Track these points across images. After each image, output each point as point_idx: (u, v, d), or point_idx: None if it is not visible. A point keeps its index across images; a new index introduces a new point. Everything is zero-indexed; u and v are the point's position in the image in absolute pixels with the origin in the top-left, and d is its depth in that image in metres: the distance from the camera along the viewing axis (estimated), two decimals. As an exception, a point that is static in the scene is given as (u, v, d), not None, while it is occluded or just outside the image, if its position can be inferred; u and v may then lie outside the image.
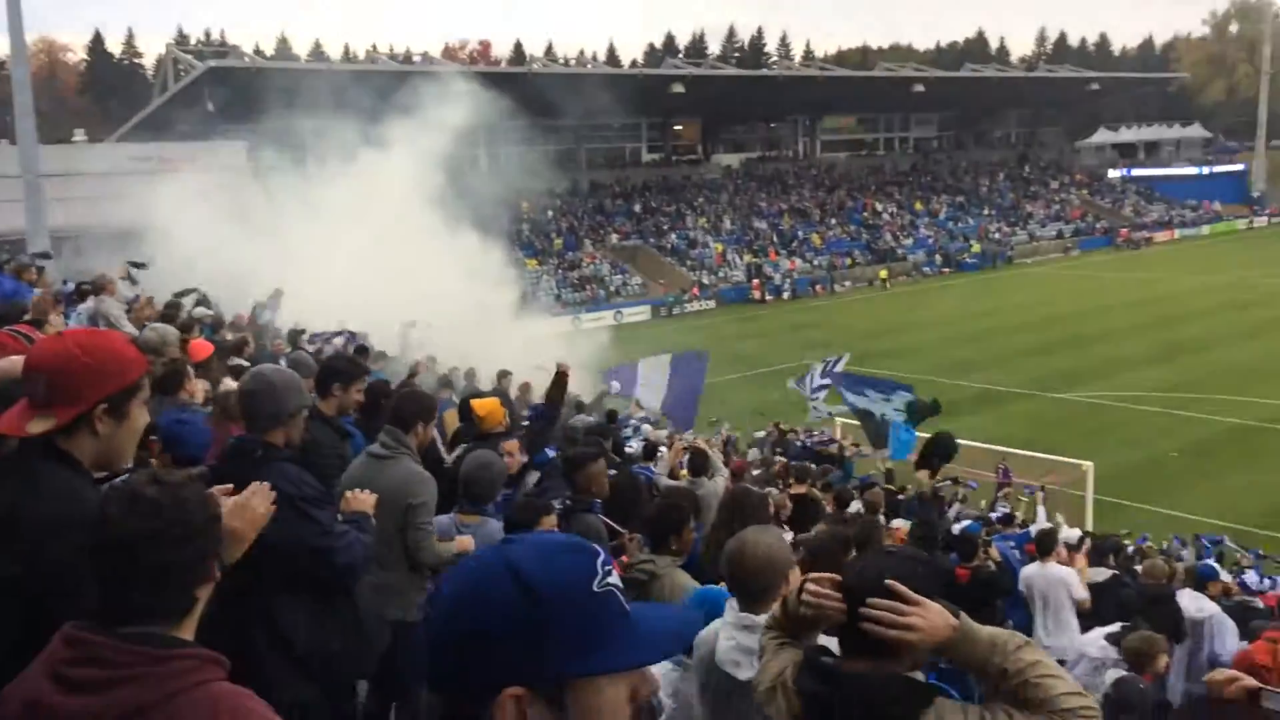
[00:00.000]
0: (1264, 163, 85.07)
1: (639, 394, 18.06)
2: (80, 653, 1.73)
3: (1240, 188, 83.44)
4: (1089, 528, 17.21)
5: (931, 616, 2.27)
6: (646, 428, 16.71)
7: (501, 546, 1.38)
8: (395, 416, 5.02)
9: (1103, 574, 9.13)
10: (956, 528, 10.57)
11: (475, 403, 6.95)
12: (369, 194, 23.19)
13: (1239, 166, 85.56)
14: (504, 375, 14.74)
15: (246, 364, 8.43)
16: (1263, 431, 24.97)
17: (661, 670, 3.62)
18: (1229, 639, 7.70)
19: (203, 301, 15.23)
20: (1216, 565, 10.22)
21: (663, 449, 10.69)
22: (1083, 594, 8.81)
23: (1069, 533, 12.80)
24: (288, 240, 21.24)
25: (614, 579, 1.37)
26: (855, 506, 10.70)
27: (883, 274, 56.23)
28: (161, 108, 42.60)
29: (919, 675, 2.39)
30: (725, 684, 2.98)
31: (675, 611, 1.56)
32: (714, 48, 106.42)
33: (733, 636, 2.99)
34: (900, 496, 12.80)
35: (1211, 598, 8.41)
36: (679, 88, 59.25)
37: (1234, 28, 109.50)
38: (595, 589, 1.34)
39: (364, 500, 4.09)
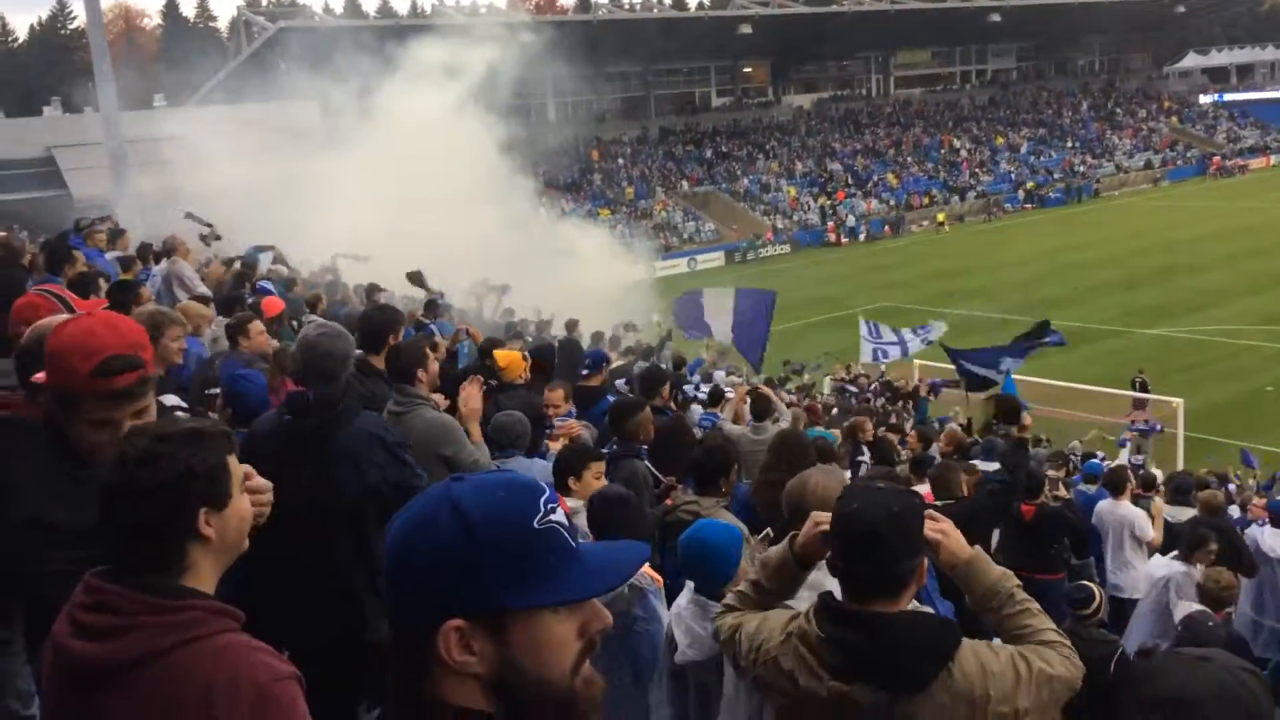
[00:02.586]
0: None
1: (709, 323, 17.78)
2: (94, 599, 1.77)
3: (1342, 108, 79.36)
4: (1179, 466, 16.78)
5: (957, 534, 2.45)
6: (719, 374, 16.63)
7: (448, 482, 1.41)
8: (394, 373, 4.97)
9: (1186, 513, 8.87)
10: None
11: (498, 353, 7.07)
12: (441, 150, 23.26)
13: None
14: (574, 324, 14.77)
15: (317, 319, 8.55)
16: (1365, 363, 23.97)
17: (678, 608, 3.65)
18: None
19: (279, 260, 15.48)
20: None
21: (729, 394, 10.62)
22: (1151, 534, 8.67)
23: (1151, 472, 12.49)
24: (363, 198, 21.46)
25: (557, 517, 1.38)
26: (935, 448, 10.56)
27: (940, 217, 54.77)
28: (237, 69, 43.26)
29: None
30: None
31: (622, 545, 1.55)
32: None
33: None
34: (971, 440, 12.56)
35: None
36: (746, 28, 58.17)
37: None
38: (536, 525, 1.35)
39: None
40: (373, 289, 13.94)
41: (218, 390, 5.25)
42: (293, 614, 3.64)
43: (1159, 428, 18.18)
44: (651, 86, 65.23)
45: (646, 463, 5.71)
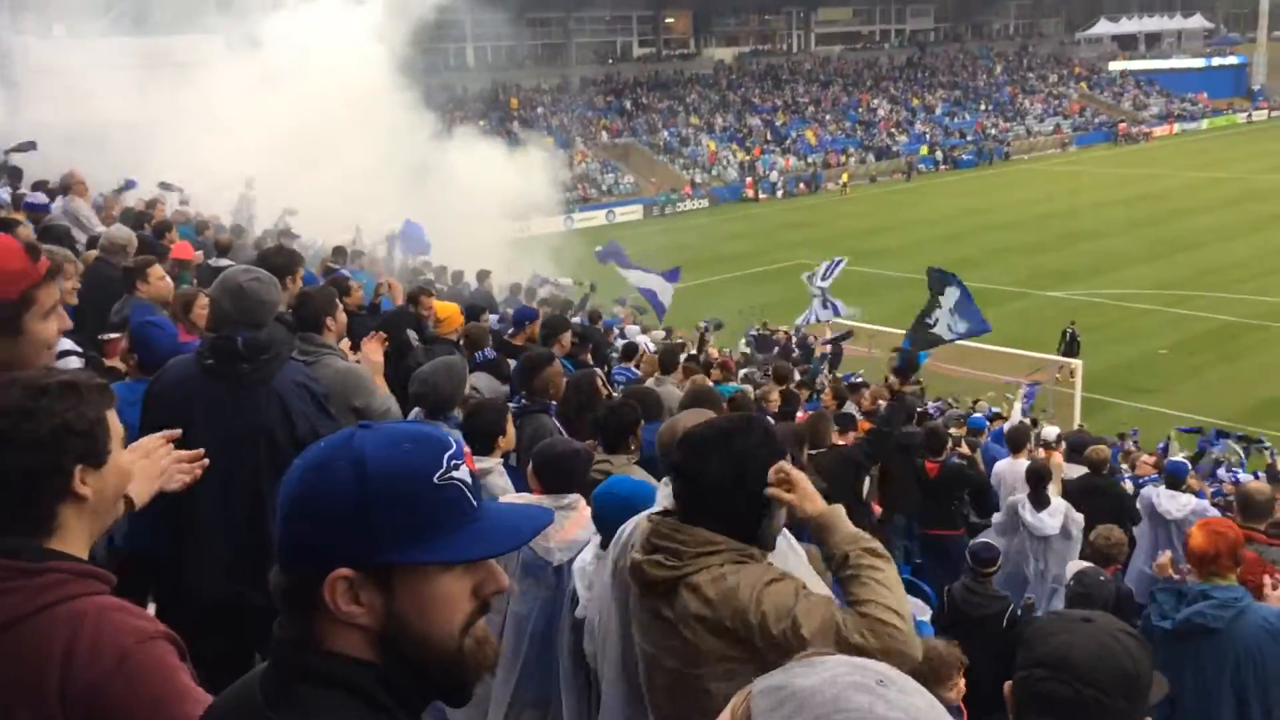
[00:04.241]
0: (1265, 55, 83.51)
1: (629, 274, 17.97)
2: None
3: (1241, 80, 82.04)
4: (1077, 425, 17.37)
5: (803, 492, 2.44)
6: (632, 328, 16.68)
7: (355, 429, 1.38)
8: (301, 321, 4.77)
9: (1078, 470, 9.20)
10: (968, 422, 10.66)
11: (437, 304, 6.91)
12: (345, 88, 22.52)
13: (1238, 59, 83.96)
14: (485, 275, 14.61)
15: (230, 264, 8.32)
16: (1250, 329, 25.01)
17: (581, 562, 3.69)
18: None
19: (185, 201, 14.99)
20: (1185, 461, 10.30)
21: (648, 347, 10.67)
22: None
23: (1048, 430, 12.90)
24: (266, 140, 20.77)
25: (460, 474, 1.36)
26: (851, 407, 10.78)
27: (844, 177, 55.25)
28: None
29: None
30: None
31: (525, 508, 1.57)
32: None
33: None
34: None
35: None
36: (670, -24, 57.69)
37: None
38: (436, 480, 1.33)
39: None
40: (285, 233, 13.62)
41: (117, 335, 5.06)
42: (220, 567, 3.55)
43: (1036, 388, 18.73)
44: (572, 34, 64.35)
45: (554, 419, 5.66)
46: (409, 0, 24.95)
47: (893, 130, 63.29)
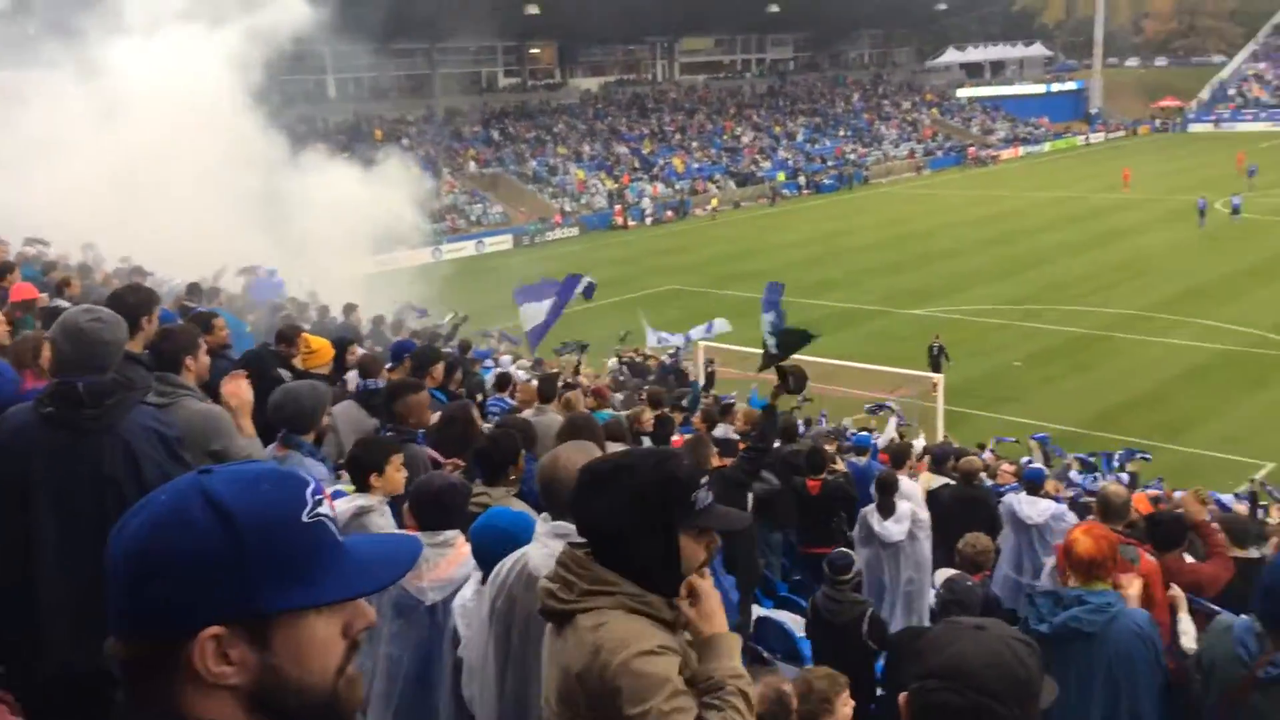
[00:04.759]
0: (1100, 81, 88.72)
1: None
2: None
3: (1079, 105, 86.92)
4: (940, 438, 17.95)
5: (714, 606, 2.33)
6: (506, 359, 16.55)
7: (198, 474, 1.29)
8: (159, 360, 4.56)
9: (938, 481, 9.51)
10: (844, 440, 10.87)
11: (308, 336, 6.73)
12: (195, 120, 21.72)
13: (1077, 85, 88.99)
14: (351, 309, 14.32)
15: (67, 305, 7.91)
16: (1096, 339, 26.38)
17: (462, 600, 3.62)
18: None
19: (40, 241, 14.26)
20: (1042, 468, 10.76)
21: (520, 376, 10.60)
22: (923, 510, 9.21)
23: (915, 444, 13.29)
24: (109, 176, 19.87)
25: (325, 509, 1.30)
26: (723, 429, 10.86)
27: (714, 203, 56.32)
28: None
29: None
30: (524, 595, 3.03)
31: (393, 539, 1.49)
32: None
33: (546, 545, 3.04)
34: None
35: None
36: (534, 8, 57.89)
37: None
38: (305, 519, 1.27)
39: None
40: (137, 271, 13.07)
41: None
42: (62, 631, 3.22)
43: (889, 404, 19.23)
44: (437, 65, 63.91)
45: (427, 448, 5.55)
46: (266, 31, 24.30)
47: (757, 157, 64.74)
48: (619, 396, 14.88)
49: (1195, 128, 79.09)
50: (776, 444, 8.74)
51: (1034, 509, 8.36)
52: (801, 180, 62.24)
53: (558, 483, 3.12)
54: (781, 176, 61.62)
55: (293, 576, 1.24)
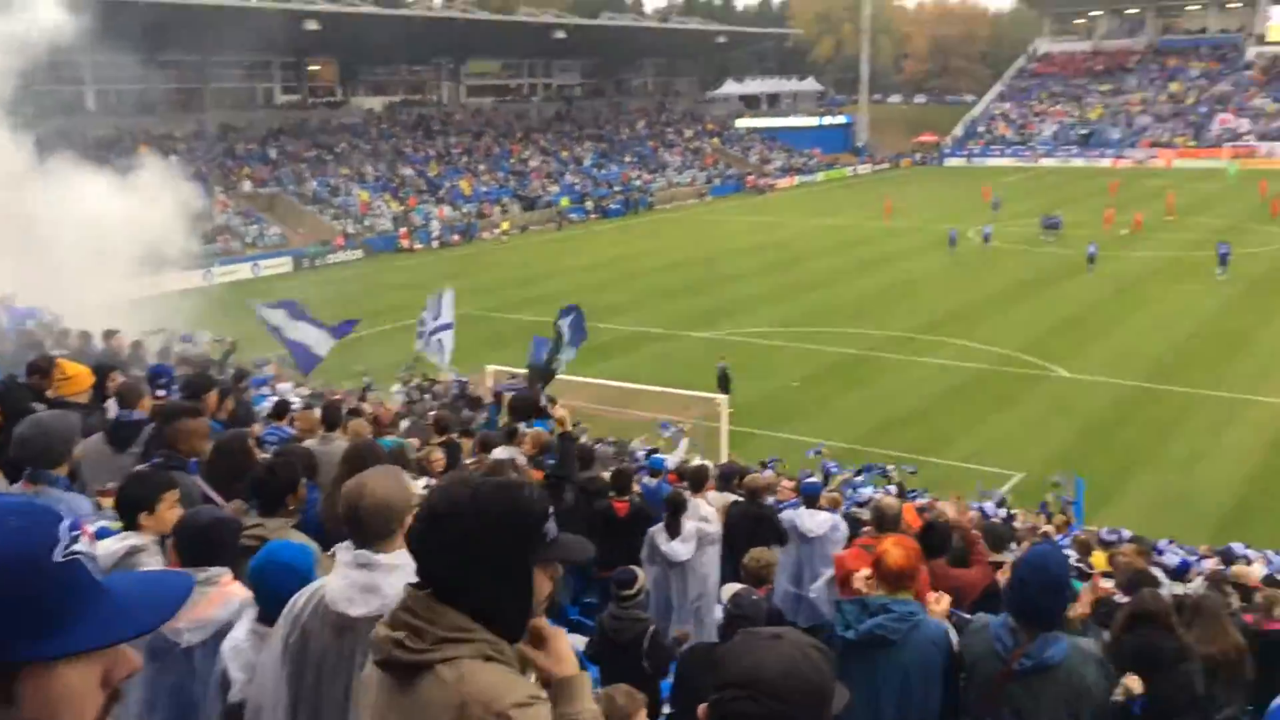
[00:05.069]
0: (866, 116, 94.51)
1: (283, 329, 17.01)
2: None
3: (848, 138, 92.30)
4: (725, 458, 18.46)
5: (563, 648, 2.24)
6: (284, 385, 15.89)
7: None
8: None
9: (728, 498, 9.79)
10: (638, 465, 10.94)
11: (63, 362, 6.26)
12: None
13: (846, 119, 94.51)
14: (111, 334, 13.41)
15: None
16: (867, 359, 27.94)
17: (234, 641, 3.44)
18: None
19: None
20: (819, 481, 11.24)
21: (295, 404, 10.19)
22: (717, 527, 9.43)
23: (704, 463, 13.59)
24: None
25: (81, 546, 1.19)
26: (503, 452, 10.74)
27: (504, 225, 56.51)
28: None
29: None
30: (321, 630, 2.92)
31: (159, 577, 1.39)
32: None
33: (348, 575, 2.97)
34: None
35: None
36: (313, 24, 56.21)
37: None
38: (58, 558, 1.16)
39: None
40: None
41: None
42: None
43: (670, 428, 19.63)
44: (209, 78, 60.94)
45: (198, 479, 5.26)
46: (15, 39, 22.47)
47: (545, 181, 65.08)
48: (405, 423, 14.53)
49: (951, 162, 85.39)
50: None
51: (814, 521, 8.73)
52: (589, 205, 63.03)
53: (364, 510, 3.05)
54: (565, 202, 62.18)
55: (43, 623, 1.13)
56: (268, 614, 3.33)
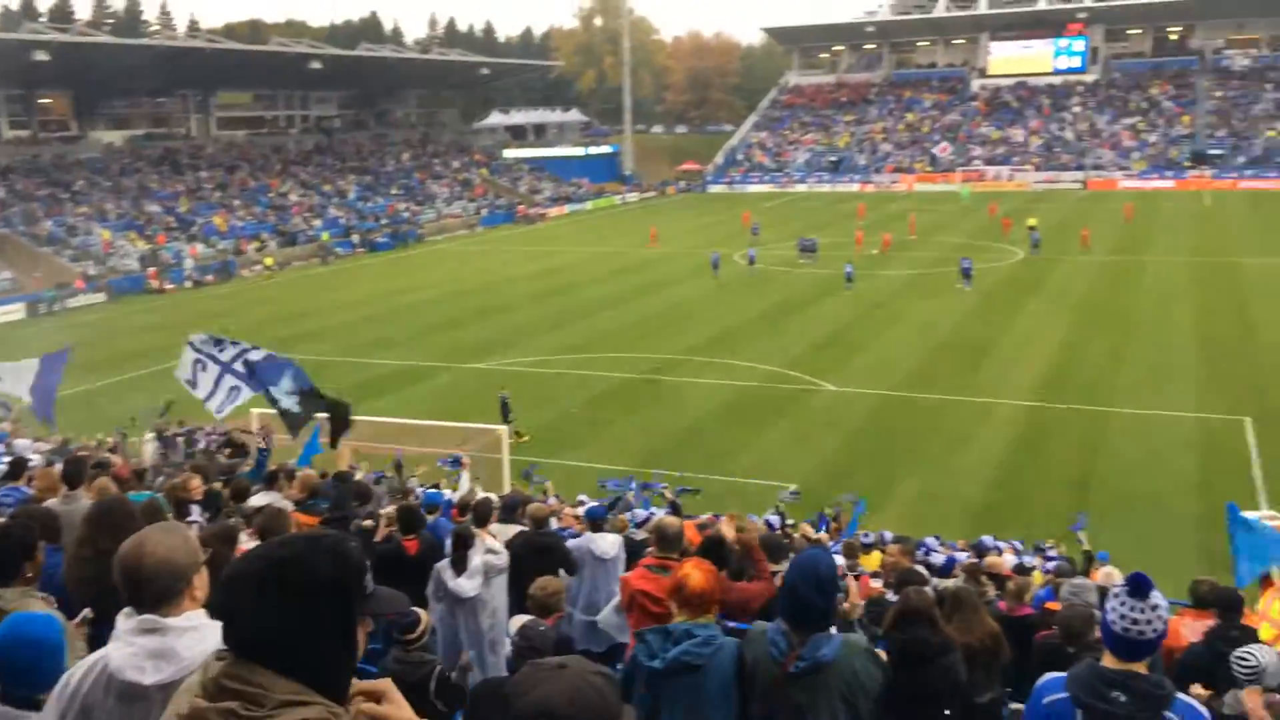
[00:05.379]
0: (631, 145, 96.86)
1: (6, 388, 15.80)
2: None
3: (614, 167, 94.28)
4: (506, 489, 18.27)
5: (402, 701, 2.12)
6: (22, 442, 14.52)
7: None
8: None
9: (512, 529, 9.66)
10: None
11: None
12: None
13: (612, 149, 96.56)
14: None
15: None
16: (642, 383, 28.41)
17: None
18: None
19: None
20: (606, 508, 11.30)
21: (34, 461, 9.32)
22: (504, 559, 9.30)
23: (488, 495, 13.39)
24: None
25: None
26: (262, 498, 10.18)
27: (268, 261, 54.72)
28: None
29: None
30: (105, 701, 2.74)
31: None
32: (83, 13, 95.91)
33: (133, 642, 2.79)
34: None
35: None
36: (42, 55, 52.25)
37: (598, 21, 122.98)
38: None
39: None
40: None
41: None
42: None
43: (455, 461, 19.30)
44: (-81, 111, 55.56)
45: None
46: None
47: (306, 214, 62.89)
48: (161, 478, 13.56)
49: (713, 188, 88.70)
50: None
51: (605, 544, 8.75)
52: (355, 239, 61.36)
53: (145, 572, 2.87)
54: (326, 236, 60.29)
55: None
56: (15, 695, 3.05)
